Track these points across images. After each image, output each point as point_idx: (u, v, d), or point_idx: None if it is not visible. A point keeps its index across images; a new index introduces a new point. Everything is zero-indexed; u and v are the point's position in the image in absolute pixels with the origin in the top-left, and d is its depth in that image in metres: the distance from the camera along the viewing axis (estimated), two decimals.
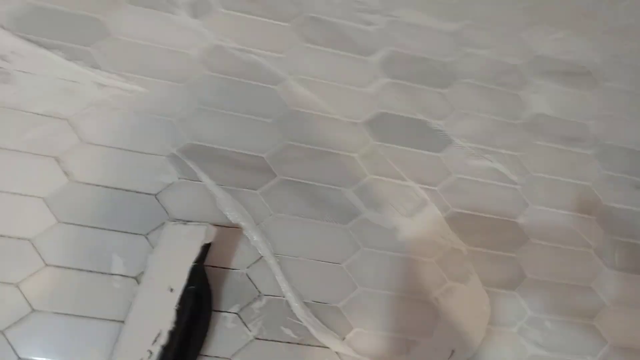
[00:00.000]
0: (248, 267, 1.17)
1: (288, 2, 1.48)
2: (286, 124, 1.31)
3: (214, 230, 1.14)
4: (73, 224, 1.14)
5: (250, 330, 1.14)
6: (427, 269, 1.22)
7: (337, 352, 1.15)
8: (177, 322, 1.03)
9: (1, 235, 1.12)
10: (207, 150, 1.25)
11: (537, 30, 1.58)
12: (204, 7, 1.42)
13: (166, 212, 1.18)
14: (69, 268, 1.12)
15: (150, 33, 1.36)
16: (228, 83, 1.33)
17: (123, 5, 1.38)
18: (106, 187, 1.18)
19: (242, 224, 1.19)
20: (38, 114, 1.22)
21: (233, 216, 1.18)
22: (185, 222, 1.16)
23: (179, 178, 1.21)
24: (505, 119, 1.42)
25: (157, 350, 1.00)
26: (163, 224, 1.16)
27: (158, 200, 1.19)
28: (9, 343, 1.05)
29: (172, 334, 1.02)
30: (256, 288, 1.16)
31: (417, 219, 1.25)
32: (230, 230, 1.18)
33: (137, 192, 1.19)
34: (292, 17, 1.45)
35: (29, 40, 1.28)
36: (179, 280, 1.06)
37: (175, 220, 1.17)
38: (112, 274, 1.12)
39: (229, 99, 1.31)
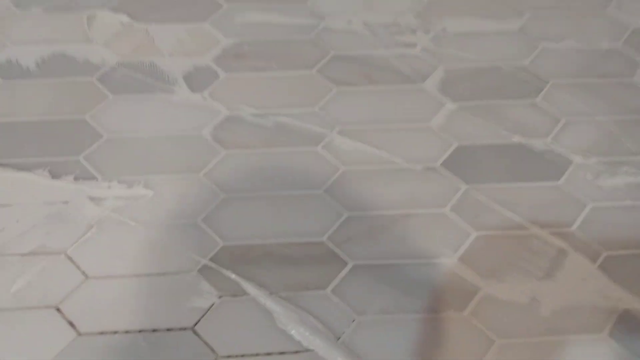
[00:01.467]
0: None
1: (303, 45, 1.21)
2: (341, 191, 1.00)
3: None
4: None
5: None
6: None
7: None
8: None
9: None
10: (246, 251, 0.94)
11: (624, 1, 1.31)
12: (204, 77, 1.17)
13: (211, 349, 0.85)
14: None
15: (148, 122, 1.10)
16: (255, 159, 1.05)
17: (108, 98, 1.13)
18: (127, 332, 0.87)
19: (317, 342, 0.85)
20: (25, 255, 0.94)
21: (302, 335, 0.85)
22: None
23: (219, 297, 0.90)
24: (627, 115, 1.11)
25: None
26: None
27: (197, 335, 0.87)
28: None
29: None
30: None
31: (559, 279, 0.89)
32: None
33: (169, 329, 0.87)
34: (314, 61, 1.19)
35: (3, 165, 1.03)
36: None
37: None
38: None
39: (260, 178, 1.03)
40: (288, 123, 1.10)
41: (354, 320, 0.88)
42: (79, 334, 0.88)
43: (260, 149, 1.07)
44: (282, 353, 0.84)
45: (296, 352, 0.85)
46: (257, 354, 0.84)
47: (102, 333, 0.88)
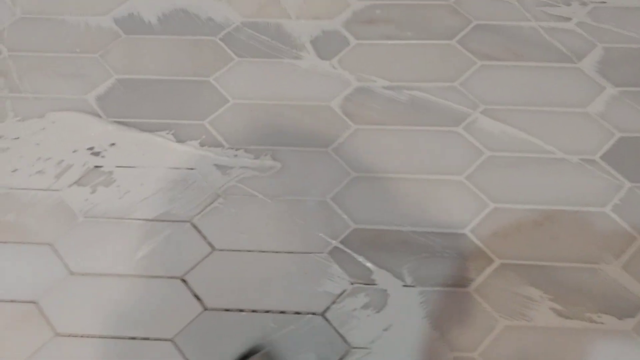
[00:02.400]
0: None
1: (441, 12, 1.10)
2: (487, 178, 0.90)
3: None
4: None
5: None
6: None
7: None
8: None
9: None
10: (379, 236, 0.87)
11: None
12: (333, 43, 1.07)
13: (344, 339, 0.80)
14: None
15: (274, 88, 1.02)
16: (388, 136, 0.96)
17: (234, 59, 1.06)
18: (254, 312, 0.82)
19: None
20: (150, 220, 0.90)
21: None
22: None
23: (352, 283, 0.83)
24: None
25: None
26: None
27: (328, 322, 0.81)
28: None
29: None
30: None
31: None
32: None
33: (297, 312, 0.82)
34: (454, 31, 1.07)
35: (127, 124, 0.99)
36: None
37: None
38: None
39: (393, 158, 0.93)
40: (424, 98, 1.00)
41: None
42: (205, 308, 0.84)
43: (392, 126, 0.97)
44: None
45: None
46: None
47: (227, 310, 0.84)
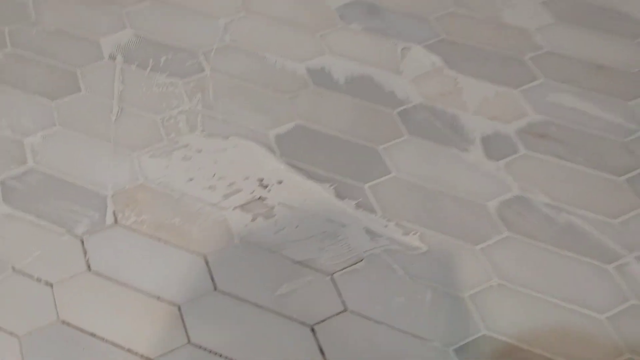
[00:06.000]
0: None
1: (615, 147, 1.11)
2: (628, 325, 0.90)
3: None
4: None
5: None
6: None
7: None
8: None
9: None
10: (511, 350, 0.87)
11: None
12: (503, 146, 1.11)
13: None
14: None
15: (436, 173, 1.08)
16: (538, 252, 0.98)
17: (404, 136, 1.13)
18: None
19: None
20: (295, 262, 0.97)
21: None
22: None
23: None
24: None
25: None
26: None
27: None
28: None
29: None
30: None
31: None
32: None
33: None
34: (625, 170, 1.08)
35: (297, 168, 1.08)
36: None
37: None
38: None
39: (537, 273, 0.95)
40: (581, 226, 1.01)
41: None
42: None
43: (544, 244, 0.99)
44: None
45: None
46: None
47: None
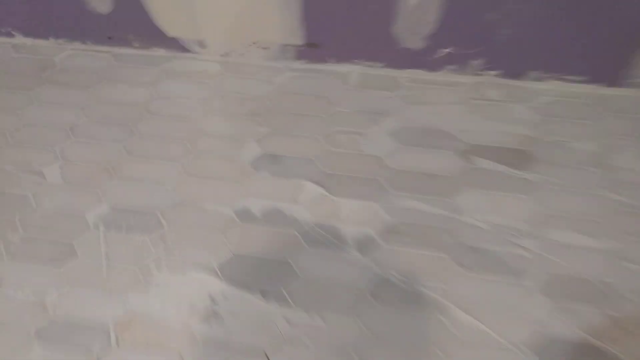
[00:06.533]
0: None
1: (442, 233, 1.67)
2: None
3: None
4: None
5: None
6: None
7: None
8: None
9: None
10: None
11: None
12: (369, 244, 1.66)
13: None
14: None
15: (328, 271, 1.60)
16: (396, 315, 1.50)
17: (305, 248, 1.66)
18: None
19: None
20: (243, 347, 1.47)
21: None
22: None
23: None
24: None
25: None
26: None
27: None
28: None
29: None
30: None
31: None
32: None
33: None
34: (447, 247, 1.63)
35: (236, 284, 1.60)
36: None
37: None
38: None
39: (397, 329, 1.47)
40: (424, 292, 1.56)
41: None
42: None
43: (399, 307, 1.53)
44: None
45: None
46: None
47: None
